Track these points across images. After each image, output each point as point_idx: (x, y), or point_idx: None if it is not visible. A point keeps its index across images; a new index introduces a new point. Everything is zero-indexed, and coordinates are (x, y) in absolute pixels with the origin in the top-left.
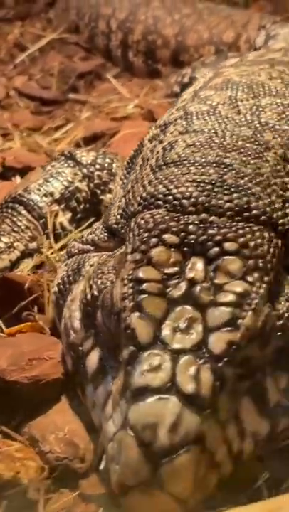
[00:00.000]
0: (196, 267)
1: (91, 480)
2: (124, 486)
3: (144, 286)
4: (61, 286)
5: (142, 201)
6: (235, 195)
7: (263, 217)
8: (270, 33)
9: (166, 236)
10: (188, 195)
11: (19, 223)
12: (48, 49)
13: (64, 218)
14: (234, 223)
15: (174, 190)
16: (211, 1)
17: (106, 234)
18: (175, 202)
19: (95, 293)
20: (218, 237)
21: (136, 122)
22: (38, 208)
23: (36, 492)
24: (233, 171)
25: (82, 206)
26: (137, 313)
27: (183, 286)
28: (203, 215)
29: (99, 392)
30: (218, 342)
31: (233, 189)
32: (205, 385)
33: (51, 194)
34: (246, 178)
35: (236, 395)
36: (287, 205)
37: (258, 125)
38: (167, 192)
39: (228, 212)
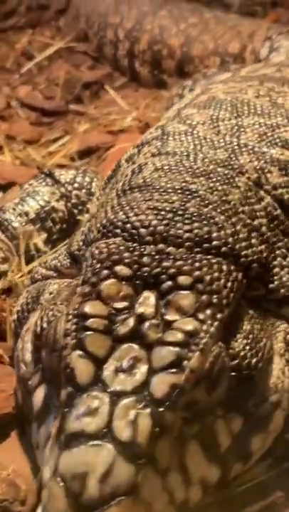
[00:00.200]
0: (147, 302)
1: None
2: None
3: (89, 322)
4: (20, 314)
5: (101, 228)
6: (195, 224)
7: (224, 249)
8: (273, 44)
9: (118, 268)
10: (146, 223)
11: None
12: (56, 57)
13: (39, 239)
14: (192, 255)
15: (133, 218)
16: (227, 10)
17: (69, 260)
18: (133, 231)
19: (45, 325)
20: (172, 270)
21: (132, 135)
22: (12, 228)
23: None
24: (198, 198)
25: (58, 227)
26: (78, 352)
27: (131, 322)
28: (161, 246)
29: (41, 431)
30: (160, 385)
31: (194, 218)
32: (142, 432)
33: (26, 214)
34: (210, 206)
35: (181, 440)
36: (253, 234)
37: (235, 147)
38: (126, 220)
39: (187, 243)
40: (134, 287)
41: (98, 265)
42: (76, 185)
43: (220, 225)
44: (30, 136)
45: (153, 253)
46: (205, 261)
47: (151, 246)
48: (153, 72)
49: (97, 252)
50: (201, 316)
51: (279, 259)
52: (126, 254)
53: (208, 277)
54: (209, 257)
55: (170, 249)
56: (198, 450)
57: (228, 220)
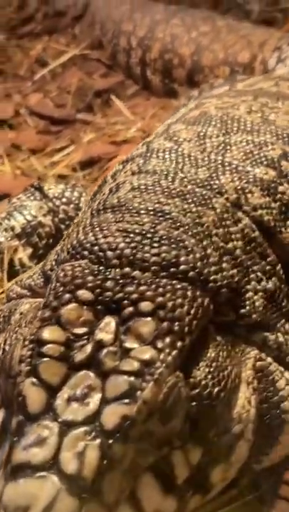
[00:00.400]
0: (107, 328)
1: None
2: None
3: (45, 348)
4: None
5: (70, 249)
6: (164, 248)
7: (191, 273)
8: (281, 55)
9: (80, 292)
10: (114, 246)
11: None
12: (70, 65)
13: (24, 254)
14: (157, 280)
15: (102, 240)
16: (247, 17)
17: (42, 279)
18: (100, 253)
19: (7, 348)
20: (134, 296)
21: (135, 146)
22: None
23: None
24: (170, 221)
25: (44, 242)
26: (31, 379)
27: (88, 348)
28: (127, 270)
29: None
30: (110, 416)
31: (163, 241)
32: (88, 465)
33: (12, 228)
34: (181, 229)
35: (134, 471)
36: (225, 258)
37: (219, 166)
38: (95, 242)
39: (153, 267)
40: (96, 312)
41: (61, 288)
42: (64, 200)
43: (189, 249)
44: (36, 145)
45: (118, 277)
46: (169, 286)
47: (117, 270)
48: (164, 80)
49: (61, 274)
50: (159, 345)
51: (253, 283)
52: (89, 278)
53: (170, 304)
54: (174, 282)
55: (136, 273)
56: (153, 482)
57: (198, 244)
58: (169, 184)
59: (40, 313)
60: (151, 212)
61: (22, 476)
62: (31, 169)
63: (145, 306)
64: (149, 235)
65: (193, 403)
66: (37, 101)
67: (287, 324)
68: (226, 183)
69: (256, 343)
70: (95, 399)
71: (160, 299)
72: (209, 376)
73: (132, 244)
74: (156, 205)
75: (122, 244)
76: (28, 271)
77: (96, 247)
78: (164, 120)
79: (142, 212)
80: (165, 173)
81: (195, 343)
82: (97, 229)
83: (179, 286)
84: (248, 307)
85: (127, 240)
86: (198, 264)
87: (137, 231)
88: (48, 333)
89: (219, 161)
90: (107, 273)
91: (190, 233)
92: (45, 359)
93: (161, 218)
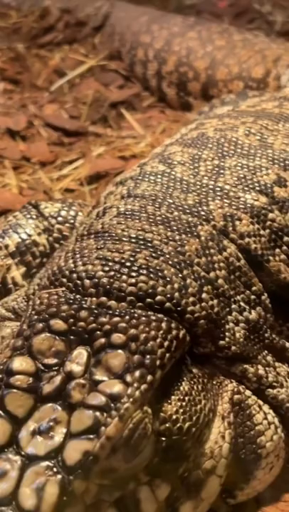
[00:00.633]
0: (78, 359)
1: None
2: None
3: (13, 379)
4: None
5: (51, 275)
6: (141, 277)
7: (167, 304)
8: None
9: (53, 322)
10: (92, 274)
11: None
12: (89, 75)
13: (17, 273)
14: (132, 310)
15: (80, 268)
16: (270, 28)
17: (25, 303)
18: (78, 281)
19: None
20: (107, 327)
21: None
22: None
23: None
24: (150, 249)
25: (38, 261)
26: None
27: (57, 380)
28: (103, 299)
29: None
30: (72, 451)
31: (141, 270)
32: (46, 501)
33: (6, 247)
34: (162, 258)
35: (97, 507)
36: (206, 288)
37: (210, 191)
38: (74, 269)
39: (129, 298)
40: (68, 343)
41: (35, 317)
42: (60, 218)
43: (167, 279)
44: (46, 157)
45: (93, 306)
46: (144, 318)
47: (93, 299)
48: (179, 93)
49: (37, 302)
50: (128, 378)
51: (235, 313)
52: (64, 307)
53: (143, 336)
54: (150, 313)
55: (111, 303)
56: None
57: (178, 274)
58: (155, 210)
59: (13, 341)
60: (133, 240)
61: None
62: (39, 183)
63: (117, 337)
64: (128, 264)
65: (163, 438)
66: (52, 112)
67: (270, 356)
68: (215, 210)
69: (236, 375)
70: (60, 433)
71: (133, 330)
72: (181, 410)
73: (110, 273)
74: (139, 233)
75: (99, 273)
76: (13, 293)
77: (74, 275)
78: (174, 135)
79: (124, 239)
80: (153, 198)
81: (168, 376)
82: (78, 256)
83: (153, 317)
84: (227, 339)
85: (106, 268)
86: (176, 294)
87: (116, 259)
88: (18, 363)
89: (211, 186)
90: (83, 302)
91: (170, 262)
92: (12, 390)
93: (142, 246)
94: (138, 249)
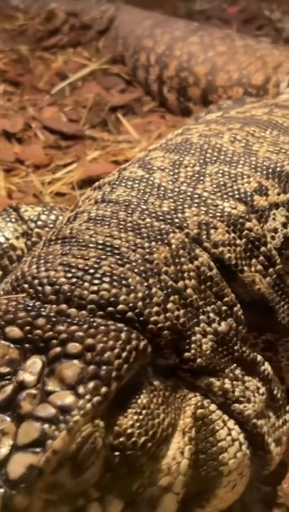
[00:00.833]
0: (31, 369)
1: None
2: None
3: None
4: None
5: (14, 281)
6: (104, 285)
7: (129, 314)
8: None
9: (9, 329)
10: (53, 280)
11: None
12: (91, 79)
13: None
14: (92, 319)
15: (43, 274)
16: (278, 35)
17: None
18: (39, 288)
19: None
20: (64, 335)
21: None
22: None
23: None
24: (117, 256)
25: (15, 265)
26: None
27: (8, 390)
28: (63, 306)
29: None
30: (16, 465)
31: (105, 278)
32: None
33: None
34: (128, 266)
35: None
36: (172, 298)
37: (187, 198)
38: (36, 274)
39: (90, 306)
40: (23, 351)
41: None
42: (40, 222)
43: (131, 287)
44: (41, 160)
45: (52, 314)
46: (103, 327)
47: (53, 306)
48: (179, 99)
49: None
50: (80, 390)
51: (203, 324)
52: (21, 314)
53: (100, 346)
54: (110, 322)
55: (71, 310)
56: None
57: (143, 282)
58: (127, 216)
59: None
60: (100, 247)
61: None
62: (29, 186)
63: (72, 347)
64: (91, 271)
65: (116, 453)
66: (51, 115)
67: (239, 369)
68: (190, 217)
69: (201, 388)
70: (6, 445)
71: (90, 340)
72: (137, 424)
73: (72, 280)
74: (107, 239)
75: (61, 279)
76: None
77: (36, 281)
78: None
79: (91, 245)
80: (127, 203)
81: (126, 388)
82: (42, 261)
83: (113, 327)
84: (193, 350)
85: (68, 274)
86: (139, 304)
87: (80, 266)
88: None
89: (188, 193)
90: (42, 309)
91: (136, 270)
92: None
93: (108, 253)
94: (104, 256)
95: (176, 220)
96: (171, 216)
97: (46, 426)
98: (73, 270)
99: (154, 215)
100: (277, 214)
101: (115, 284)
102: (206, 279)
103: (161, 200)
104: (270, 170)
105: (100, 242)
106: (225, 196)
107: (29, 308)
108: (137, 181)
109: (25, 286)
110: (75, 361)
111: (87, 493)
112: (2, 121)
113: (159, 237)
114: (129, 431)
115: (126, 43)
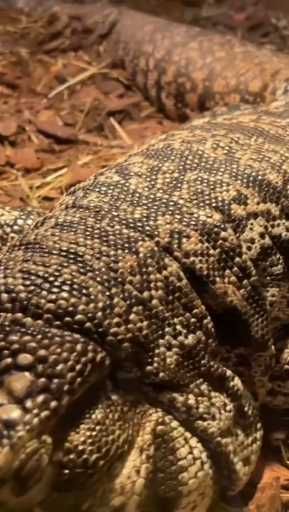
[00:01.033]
0: None
1: None
2: None
3: None
4: None
5: None
6: (62, 294)
7: (87, 324)
8: (288, 86)
9: None
10: (10, 288)
11: None
12: (90, 83)
13: None
14: (46, 329)
15: (1, 281)
16: (284, 42)
17: None
18: None
19: None
20: (16, 346)
21: None
22: None
23: None
24: (79, 264)
25: None
26: None
27: None
28: (18, 315)
29: None
30: None
31: (64, 286)
32: None
33: None
34: (90, 274)
35: None
36: (135, 309)
37: (162, 205)
38: None
39: (46, 315)
40: None
41: None
42: (16, 227)
43: (91, 297)
44: (32, 164)
45: (6, 323)
46: (58, 338)
47: (9, 314)
48: (177, 105)
49: None
50: (28, 404)
51: (168, 337)
52: None
53: (52, 357)
54: (66, 333)
55: (27, 319)
56: None
57: (105, 291)
58: (95, 223)
59: None
60: (63, 253)
61: None
62: (17, 189)
63: (23, 358)
64: (51, 279)
65: (65, 471)
66: (46, 118)
67: (205, 385)
68: (162, 225)
69: (163, 404)
70: None
71: (42, 351)
72: (89, 441)
73: (30, 288)
74: (71, 246)
75: (19, 287)
76: None
77: None
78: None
79: (54, 252)
80: (97, 209)
81: (79, 403)
82: (2, 267)
83: (68, 338)
84: (155, 364)
85: (27, 282)
86: (99, 314)
87: (40, 273)
88: None
89: (164, 200)
90: None
91: (98, 279)
92: None
93: (71, 261)
94: (65, 264)
95: (147, 228)
96: (142, 224)
97: None
98: (32, 277)
99: (124, 222)
100: (255, 224)
101: (75, 293)
102: (175, 290)
103: (134, 207)
104: (251, 178)
105: (64, 248)
106: (201, 204)
107: None
108: (111, 187)
109: None
110: (26, 373)
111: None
112: None
113: (126, 245)
114: (80, 448)
115: (127, 48)
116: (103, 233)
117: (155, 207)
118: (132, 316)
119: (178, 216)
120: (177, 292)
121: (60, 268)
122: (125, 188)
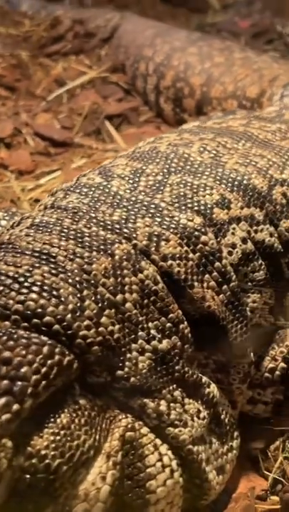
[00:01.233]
0: None
1: None
2: None
3: None
4: None
5: None
6: (31, 295)
7: (56, 327)
8: (285, 92)
9: None
10: None
11: None
12: (89, 87)
13: None
14: (12, 331)
15: None
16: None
17: None
18: None
19: None
20: None
21: None
22: None
23: None
24: (52, 265)
25: None
26: None
27: None
28: None
29: None
30: None
31: (34, 287)
32: None
33: None
34: (61, 275)
35: None
36: (107, 312)
37: (142, 208)
38: None
39: (14, 316)
40: None
41: None
42: None
43: (61, 299)
44: (26, 166)
45: None
46: (23, 340)
47: None
48: (175, 109)
49: None
50: None
51: (141, 341)
52: None
53: (17, 360)
54: (33, 335)
55: None
56: None
57: (76, 293)
58: (71, 224)
59: None
60: (35, 254)
61: None
62: (8, 192)
63: None
64: (21, 279)
65: (26, 476)
66: (44, 121)
67: (178, 391)
68: (140, 228)
69: (134, 409)
70: None
71: (6, 353)
72: (52, 446)
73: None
74: (45, 246)
75: None
76: None
77: None
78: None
79: (27, 252)
80: (75, 211)
81: (45, 406)
82: None
83: (35, 340)
84: (126, 369)
85: None
86: (68, 316)
87: (10, 274)
88: None
89: (145, 203)
90: None
91: (70, 281)
92: None
93: (43, 262)
94: (37, 265)
95: (125, 230)
96: (120, 226)
97: None
98: (2, 278)
99: (102, 223)
100: (237, 229)
101: (44, 294)
102: (150, 294)
103: (113, 209)
104: (236, 182)
105: (37, 249)
106: (183, 207)
107: None
108: (92, 188)
109: None
110: None
111: None
112: None
113: (102, 247)
114: (42, 452)
115: (127, 52)
116: (79, 234)
117: (135, 209)
118: (103, 319)
119: (158, 219)
120: (153, 296)
121: (31, 269)
122: (106, 190)
